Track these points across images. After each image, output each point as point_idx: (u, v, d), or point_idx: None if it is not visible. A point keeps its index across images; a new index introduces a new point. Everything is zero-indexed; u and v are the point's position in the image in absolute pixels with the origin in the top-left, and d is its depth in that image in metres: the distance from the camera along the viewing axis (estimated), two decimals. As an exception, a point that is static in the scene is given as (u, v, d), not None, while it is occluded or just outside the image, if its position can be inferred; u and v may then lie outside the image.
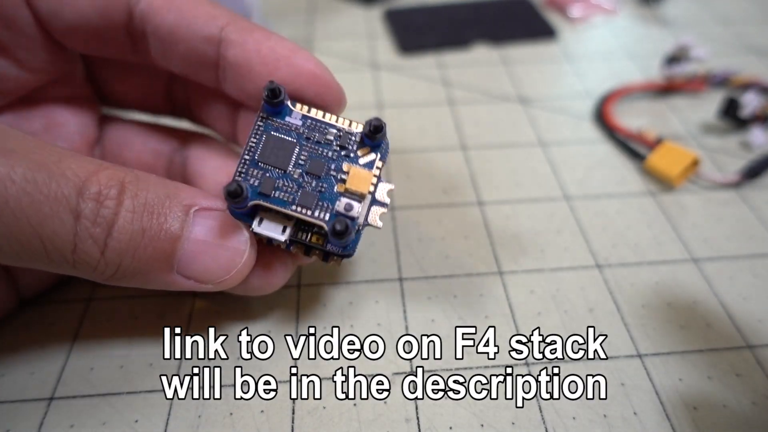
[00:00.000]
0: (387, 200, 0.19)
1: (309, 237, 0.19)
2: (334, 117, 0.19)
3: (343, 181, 0.18)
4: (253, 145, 0.19)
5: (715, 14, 0.43)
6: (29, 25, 0.20)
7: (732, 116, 0.31)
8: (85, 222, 0.16)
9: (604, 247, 0.26)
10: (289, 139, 0.19)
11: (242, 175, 0.18)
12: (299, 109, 0.19)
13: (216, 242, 0.18)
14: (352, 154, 0.19)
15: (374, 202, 0.19)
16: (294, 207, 0.18)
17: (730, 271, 0.25)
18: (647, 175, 0.29)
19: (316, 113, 0.19)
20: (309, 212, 0.18)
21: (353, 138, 0.19)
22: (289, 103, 0.19)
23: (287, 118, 0.19)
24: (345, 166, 0.19)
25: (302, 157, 0.19)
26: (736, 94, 0.32)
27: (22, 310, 0.23)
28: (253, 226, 0.18)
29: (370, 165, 0.19)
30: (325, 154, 0.19)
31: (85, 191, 0.16)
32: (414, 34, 0.40)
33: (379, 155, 0.19)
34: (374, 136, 0.18)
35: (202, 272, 0.18)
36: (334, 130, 0.19)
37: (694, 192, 0.28)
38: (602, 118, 0.33)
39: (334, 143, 0.19)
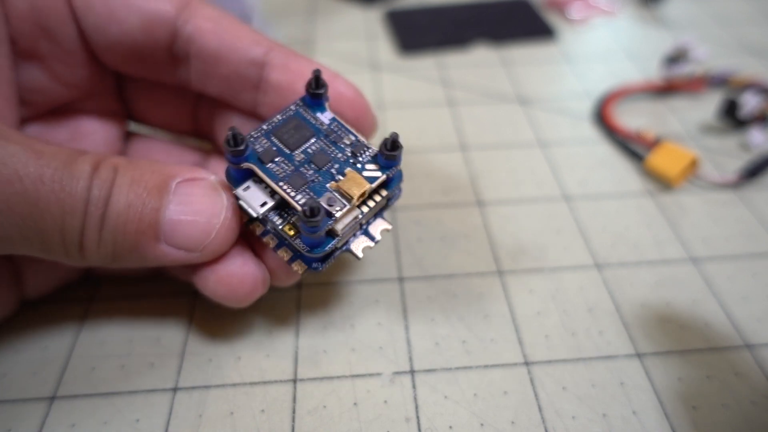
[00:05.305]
0: (378, 237, 0.20)
1: (282, 225, 0.18)
2: (359, 134, 0.20)
3: (339, 181, 0.18)
4: (276, 121, 0.19)
5: (715, 15, 0.43)
6: (72, 40, 0.20)
7: (731, 116, 0.31)
8: (90, 208, 0.17)
9: (604, 247, 0.26)
10: (310, 128, 0.20)
11: (252, 138, 0.19)
12: (332, 112, 0.20)
13: (194, 209, 0.18)
14: (359, 165, 0.19)
15: (365, 232, 0.20)
16: (281, 183, 0.18)
17: (729, 271, 0.25)
18: (646, 176, 0.29)
19: (344, 121, 0.20)
20: (292, 192, 0.18)
21: (367, 152, 0.19)
22: (327, 104, 0.20)
23: (318, 114, 0.20)
24: (347, 171, 0.19)
25: (312, 148, 0.19)
26: (735, 94, 0.32)
27: (23, 310, 0.23)
28: (236, 190, 0.19)
29: (372, 180, 0.19)
30: (335, 154, 0.19)
31: (91, 182, 0.17)
32: (414, 34, 0.40)
33: (386, 175, 0.19)
34: (390, 152, 0.19)
35: (186, 239, 0.18)
36: (353, 137, 0.20)
37: (693, 192, 0.29)
38: (602, 118, 0.33)
39: (348, 149, 0.19)
